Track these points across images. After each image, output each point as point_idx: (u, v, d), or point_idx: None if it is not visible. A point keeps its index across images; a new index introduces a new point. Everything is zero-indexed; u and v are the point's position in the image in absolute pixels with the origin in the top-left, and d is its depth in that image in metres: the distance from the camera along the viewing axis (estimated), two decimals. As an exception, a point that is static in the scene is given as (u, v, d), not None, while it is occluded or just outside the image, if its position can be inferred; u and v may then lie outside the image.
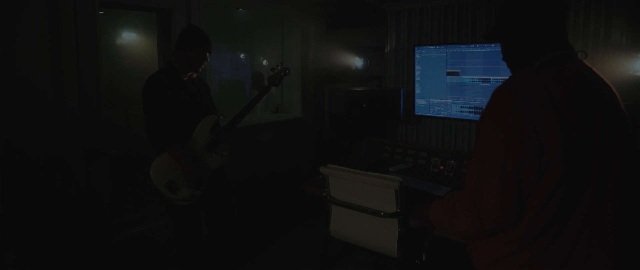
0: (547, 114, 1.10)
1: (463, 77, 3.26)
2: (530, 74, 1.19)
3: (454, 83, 3.32)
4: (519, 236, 1.19)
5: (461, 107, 3.31)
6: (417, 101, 3.54)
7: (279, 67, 2.95)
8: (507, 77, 1.23)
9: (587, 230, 1.17)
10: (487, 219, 1.16)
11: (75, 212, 2.76)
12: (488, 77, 3.14)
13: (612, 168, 1.19)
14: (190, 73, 2.57)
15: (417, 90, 3.53)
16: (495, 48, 3.05)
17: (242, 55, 5.22)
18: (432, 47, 3.42)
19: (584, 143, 1.14)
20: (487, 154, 1.16)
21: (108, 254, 2.99)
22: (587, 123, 1.15)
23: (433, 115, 3.47)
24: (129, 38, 4.26)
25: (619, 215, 1.22)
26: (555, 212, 1.15)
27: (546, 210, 1.15)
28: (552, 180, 1.13)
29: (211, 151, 2.60)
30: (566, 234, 1.17)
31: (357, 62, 4.35)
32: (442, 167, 3.07)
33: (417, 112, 3.56)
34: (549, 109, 1.10)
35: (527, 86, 1.15)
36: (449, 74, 3.34)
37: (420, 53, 3.49)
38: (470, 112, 3.27)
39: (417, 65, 3.50)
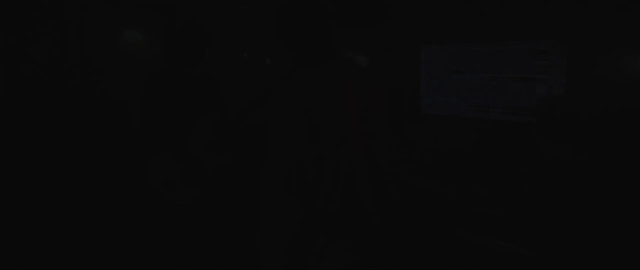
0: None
1: (470, 75, 3.23)
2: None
3: (460, 81, 3.29)
4: None
5: (467, 105, 3.29)
6: (423, 100, 3.51)
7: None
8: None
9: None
10: None
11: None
12: (494, 75, 3.11)
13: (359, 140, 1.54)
14: (192, 70, 2.55)
15: (423, 89, 3.50)
16: (503, 46, 3.02)
17: (245, 55, 5.20)
18: (437, 46, 3.39)
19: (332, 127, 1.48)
20: None
21: (110, 254, 2.97)
22: (336, 109, 1.48)
23: (439, 114, 3.44)
24: (131, 36, 4.23)
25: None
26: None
27: None
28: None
29: (213, 149, 2.56)
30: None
31: (360, 60, 4.32)
32: (449, 166, 3.04)
33: (423, 111, 3.53)
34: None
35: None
36: (455, 72, 3.31)
37: (425, 51, 3.46)
38: (477, 110, 3.24)
39: (422, 63, 3.47)
